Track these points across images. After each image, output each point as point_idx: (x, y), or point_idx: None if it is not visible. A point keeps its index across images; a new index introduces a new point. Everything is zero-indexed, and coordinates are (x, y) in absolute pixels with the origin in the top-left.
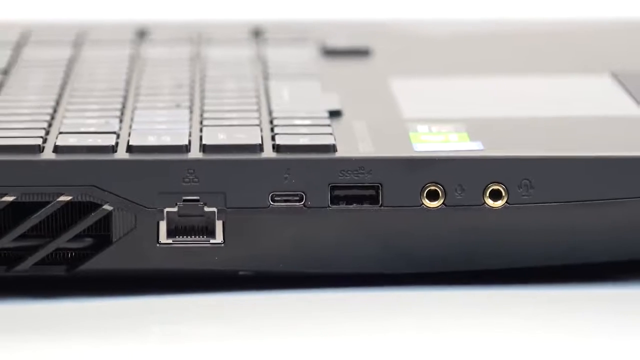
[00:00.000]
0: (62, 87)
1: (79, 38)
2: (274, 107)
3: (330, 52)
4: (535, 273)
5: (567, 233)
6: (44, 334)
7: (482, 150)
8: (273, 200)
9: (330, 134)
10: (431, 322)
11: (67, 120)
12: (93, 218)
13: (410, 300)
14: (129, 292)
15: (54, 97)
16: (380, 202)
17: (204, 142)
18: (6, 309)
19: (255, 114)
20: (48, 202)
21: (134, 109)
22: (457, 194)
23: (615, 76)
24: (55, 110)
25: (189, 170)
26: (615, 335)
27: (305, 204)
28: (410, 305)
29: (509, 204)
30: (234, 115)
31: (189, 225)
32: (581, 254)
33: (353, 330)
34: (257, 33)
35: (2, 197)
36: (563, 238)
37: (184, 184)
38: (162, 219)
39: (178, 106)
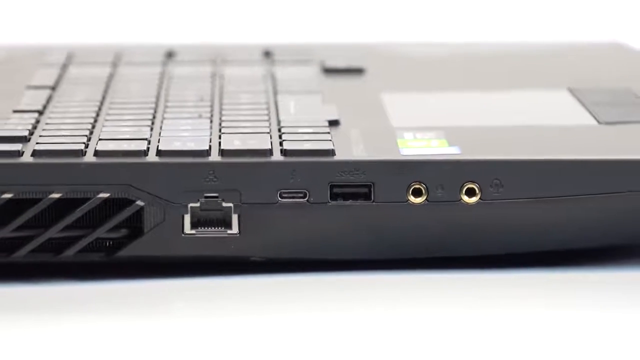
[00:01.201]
0: (102, 101)
1: (116, 59)
2: (281, 117)
3: (330, 71)
4: (504, 259)
5: (531, 225)
6: (87, 311)
7: (459, 154)
8: (281, 197)
9: (330, 140)
10: (414, 299)
11: (106, 129)
12: (127, 212)
13: (398, 281)
14: (157, 275)
15: (95, 109)
16: (373, 199)
17: (222, 147)
18: (54, 289)
19: (266, 123)
20: (89, 199)
21: (163, 118)
22: (438, 192)
23: (572, 91)
24: (95, 120)
25: (209, 171)
26: (567, 309)
27: (309, 200)
28: (397, 285)
29: (482, 200)
30: (248, 124)
31: (209, 218)
32: (544, 242)
33: (350, 305)
34: (268, 54)
35: (50, 194)
36: (528, 229)
37: (205, 183)
38: (187, 213)
39: (200, 116)
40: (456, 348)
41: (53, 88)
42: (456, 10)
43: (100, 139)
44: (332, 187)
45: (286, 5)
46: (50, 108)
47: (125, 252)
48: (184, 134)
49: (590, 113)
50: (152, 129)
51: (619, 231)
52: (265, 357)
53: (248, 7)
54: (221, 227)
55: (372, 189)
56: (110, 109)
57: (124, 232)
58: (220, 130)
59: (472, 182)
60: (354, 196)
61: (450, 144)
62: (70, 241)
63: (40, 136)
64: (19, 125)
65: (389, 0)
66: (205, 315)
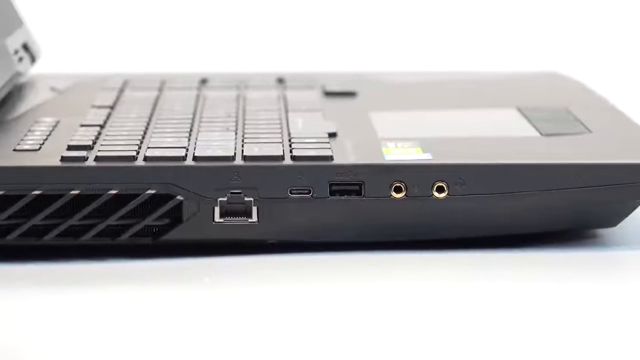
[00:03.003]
0: (150, 117)
1: (161, 85)
2: (291, 130)
3: (329, 94)
4: (467, 241)
5: (488, 214)
6: (136, 283)
7: (431, 159)
8: (291, 193)
9: (329, 148)
10: (394, 272)
11: (153, 139)
12: (170, 205)
13: (382, 259)
14: (193, 255)
15: (144, 123)
16: (363, 194)
17: (244, 153)
18: (112, 266)
19: (279, 135)
20: (140, 194)
21: (198, 131)
22: (414, 189)
23: (520, 110)
24: (145, 132)
25: (235, 173)
26: (516, 281)
27: (312, 195)
28: (382, 261)
29: (449, 195)
30: (265, 135)
31: (234, 210)
32: (498, 228)
33: (345, 277)
34: (280, 81)
35: (109, 190)
36: (486, 218)
37: (231, 182)
38: (216, 205)
39: (227, 129)
40: (427, 312)
41: (112, 107)
42: (430, 46)
43: (148, 147)
44: (331, 185)
45: (295, 43)
46: (109, 123)
47: (168, 236)
48: (215, 143)
49: (534, 127)
50: (189, 139)
51: (557, 219)
52: (278, 319)
53: (265, 45)
54: (244, 216)
55: (362, 187)
56: (156, 123)
57: (166, 220)
58: (243, 140)
59: (441, 181)
60: (348, 192)
61: (424, 151)
62: (125, 228)
63: (101, 145)
64: (84, 137)
65: (376, 40)
66: (226, 286)
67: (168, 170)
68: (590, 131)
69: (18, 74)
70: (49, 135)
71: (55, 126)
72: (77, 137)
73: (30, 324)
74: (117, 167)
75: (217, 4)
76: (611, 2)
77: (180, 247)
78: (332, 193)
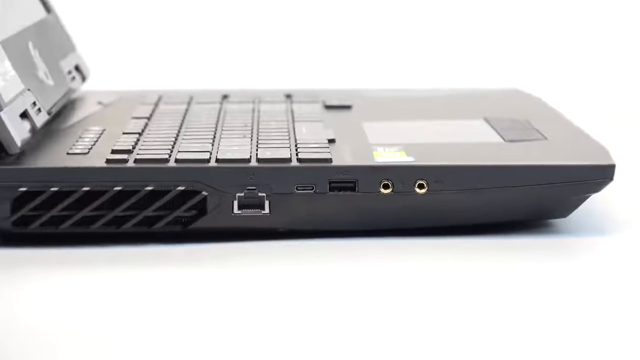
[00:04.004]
0: (180, 127)
1: (190, 99)
2: (297, 137)
3: (329, 107)
4: (445, 230)
5: (461, 207)
6: (169, 264)
7: (413, 161)
8: (296, 189)
9: (329, 152)
10: (383, 255)
11: (182, 144)
12: (196, 199)
13: (373, 244)
14: (215, 240)
15: (175, 131)
16: (357, 190)
17: (258, 156)
18: (148, 250)
19: (287, 141)
20: (171, 190)
21: (220, 138)
22: (399, 186)
23: (487, 121)
24: (176, 139)
25: (250, 173)
26: (486, 262)
27: (315, 191)
28: (372, 246)
29: (429, 191)
30: (275, 141)
31: (250, 203)
32: (470, 219)
33: (343, 259)
34: (288, 96)
35: (146, 187)
36: (460, 210)
37: (247, 180)
38: (235, 199)
39: (244, 137)
40: (407, 287)
41: (148, 118)
42: (413, 68)
43: (179, 151)
44: (330, 182)
45: (301, 66)
46: (146, 131)
47: (195, 225)
48: (234, 147)
49: (499, 134)
50: (212, 144)
51: (517, 211)
52: (286, 292)
53: (276, 67)
54: (258, 209)
55: (356, 184)
56: (185, 131)
57: (193, 212)
58: (257, 145)
59: (422, 179)
60: (345, 189)
61: (408, 155)
62: (159, 218)
63: (139, 149)
64: (126, 142)
65: (367, 64)
66: (244, 265)
67: (195, 170)
68: (545, 138)
69: (71, 91)
70: (96, 141)
71: (101, 134)
72: (120, 143)
73: (83, 299)
74: (153, 168)
75: (239, 36)
76: (566, 29)
77: (204, 234)
78: (331, 189)
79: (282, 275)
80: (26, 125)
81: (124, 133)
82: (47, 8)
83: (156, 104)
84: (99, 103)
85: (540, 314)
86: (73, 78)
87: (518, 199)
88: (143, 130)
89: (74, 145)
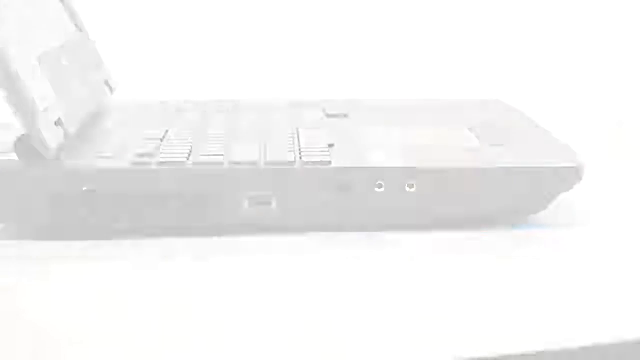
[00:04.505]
0: (197, 131)
1: (205, 107)
2: (301, 142)
3: (329, 115)
4: (432, 224)
5: (446, 204)
6: (188, 253)
7: (404, 163)
8: (301, 189)
9: (329, 155)
10: (378, 247)
11: (199, 148)
12: (212, 197)
13: (367, 237)
14: (230, 234)
15: (193, 136)
16: (353, 190)
17: (267, 159)
18: (169, 242)
19: (292, 145)
20: (189, 189)
21: (232, 142)
22: (391, 185)
23: (470, 128)
24: (193, 143)
25: (260, 173)
26: (471, 254)
27: (317, 191)
28: (366, 239)
29: (418, 190)
30: (282, 146)
31: (259, 201)
32: (454, 215)
33: (341, 249)
34: (293, 105)
35: (168, 187)
36: (445, 207)
37: (257, 180)
38: (247, 198)
39: (254, 141)
40: (395, 275)
41: (168, 125)
42: (406, 79)
43: (197, 155)
44: (330, 183)
45: (304, 78)
46: (167, 136)
47: (209, 222)
48: (245, 151)
49: (480, 140)
50: (225, 148)
51: (496, 207)
52: (293, 276)
53: (282, 79)
54: (267, 205)
55: (353, 184)
56: (202, 137)
57: (209, 209)
58: (265, 149)
59: (412, 179)
60: (343, 188)
61: (399, 157)
62: (178, 215)
63: (161, 153)
64: (148, 146)
65: (362, 76)
66: (252, 253)
67: (211, 172)
68: (522, 144)
69: (100, 101)
70: (123, 145)
71: (127, 139)
72: (144, 147)
73: (108, 292)
74: (172, 169)
75: (252, 51)
76: (545, 42)
77: (219, 228)
78: (331, 189)
79: (289, 263)
80: (60, 131)
81: (147, 138)
82: (80, 27)
83: (175, 112)
84: (126, 111)
85: (518, 297)
86: (102, 90)
87: (497, 197)
88: (164, 136)
89: (102, 149)
